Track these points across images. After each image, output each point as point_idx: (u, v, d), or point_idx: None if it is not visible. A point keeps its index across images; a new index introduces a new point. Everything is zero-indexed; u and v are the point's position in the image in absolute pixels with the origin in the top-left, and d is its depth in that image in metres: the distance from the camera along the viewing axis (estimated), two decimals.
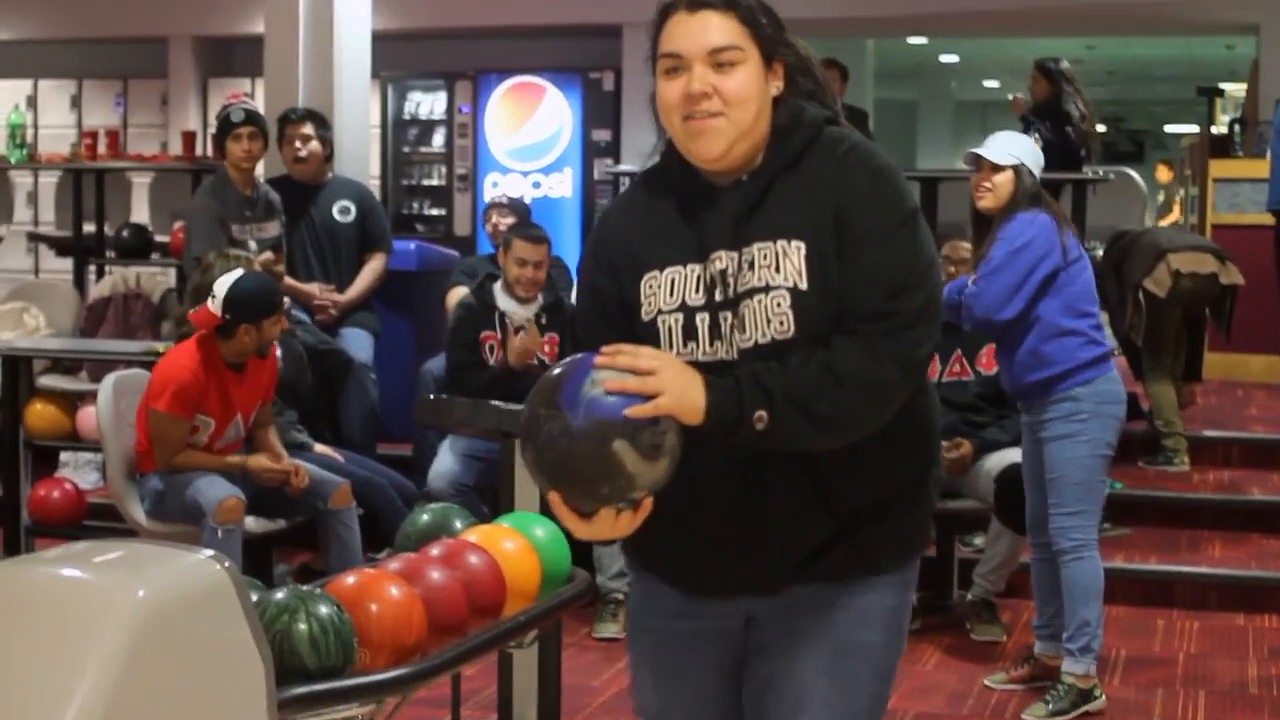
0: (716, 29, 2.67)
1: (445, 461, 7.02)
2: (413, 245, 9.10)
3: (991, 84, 25.37)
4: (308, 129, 8.17)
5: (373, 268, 8.16)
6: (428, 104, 15.07)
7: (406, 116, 15.06)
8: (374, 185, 9.42)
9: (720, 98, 2.64)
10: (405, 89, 14.98)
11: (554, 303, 7.28)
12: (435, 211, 14.90)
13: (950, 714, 5.98)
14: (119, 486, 6.41)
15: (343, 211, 8.15)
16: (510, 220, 8.33)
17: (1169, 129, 29.27)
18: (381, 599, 3.46)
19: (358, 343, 7.89)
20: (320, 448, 7.03)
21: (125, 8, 15.34)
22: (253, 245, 7.54)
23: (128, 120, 15.89)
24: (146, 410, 6.24)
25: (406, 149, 15.03)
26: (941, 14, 14.49)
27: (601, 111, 14.33)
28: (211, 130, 14.86)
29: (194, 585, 2.76)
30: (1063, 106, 10.89)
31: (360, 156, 9.17)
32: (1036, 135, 10.04)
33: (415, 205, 14.99)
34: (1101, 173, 10.08)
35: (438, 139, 15.00)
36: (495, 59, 14.78)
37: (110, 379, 6.53)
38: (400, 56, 13.75)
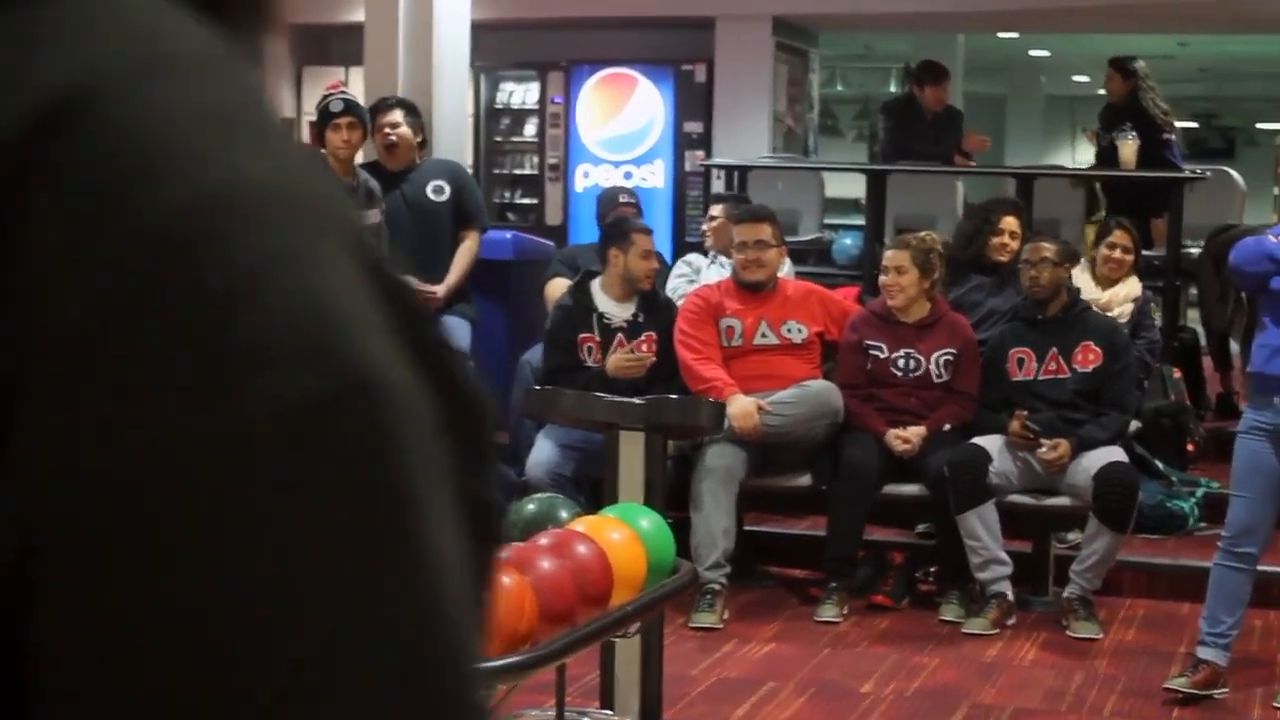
0: None
1: (543, 451, 7.06)
2: (509, 235, 9.15)
3: (1081, 79, 25.19)
4: (397, 116, 8.22)
5: (467, 247, 8.15)
6: (520, 94, 15.12)
7: (499, 106, 15.11)
8: (469, 165, 9.48)
9: None
10: (498, 79, 15.03)
11: (651, 299, 7.32)
12: (527, 201, 14.96)
13: (1047, 710, 5.97)
14: None
15: (437, 191, 8.17)
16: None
17: (1261, 126, 29.00)
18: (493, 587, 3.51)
19: (455, 331, 7.93)
20: None
21: None
22: None
23: None
24: None
25: (499, 138, 15.08)
26: (1033, 10, 14.41)
27: (693, 103, 14.34)
28: (308, 118, 15.04)
29: None
30: (1140, 104, 10.81)
31: (457, 146, 9.23)
32: (1130, 136, 9.98)
33: (507, 194, 15.04)
34: (1200, 171, 10.01)
35: (529, 129, 15.05)
36: (587, 50, 14.80)
37: None
38: (493, 47, 13.79)
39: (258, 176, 0.63)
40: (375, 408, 0.62)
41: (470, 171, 11.23)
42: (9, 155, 0.61)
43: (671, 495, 6.38)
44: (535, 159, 14.94)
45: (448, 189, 8.18)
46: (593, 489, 6.73)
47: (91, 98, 0.62)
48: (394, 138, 8.17)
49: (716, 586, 6.83)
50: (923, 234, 7.44)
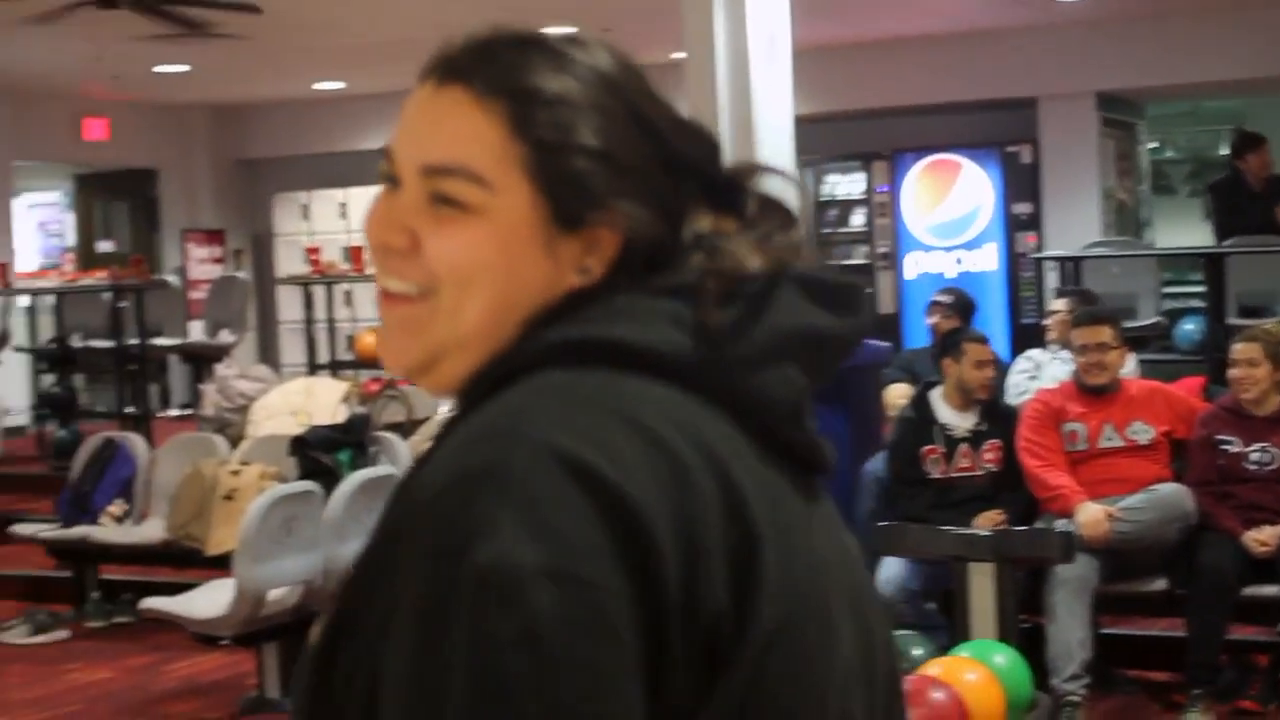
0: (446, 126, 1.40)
1: (892, 566, 7.05)
2: None
3: None
4: None
5: None
6: (845, 185, 15.17)
7: (825, 198, 15.19)
8: None
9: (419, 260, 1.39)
10: (822, 171, 15.11)
11: (992, 408, 7.28)
12: None
13: None
14: None
15: None
16: (953, 322, 8.35)
17: None
18: None
19: None
20: None
21: None
22: None
23: None
24: None
25: (827, 230, 15.15)
26: None
27: (1021, 184, 14.21)
28: None
29: None
30: None
31: None
32: None
33: None
34: None
35: (857, 219, 15.09)
36: (911, 137, 14.80)
37: None
38: (817, 139, 13.87)
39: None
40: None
41: None
42: None
43: (1022, 601, 6.34)
44: (864, 249, 14.97)
45: None
46: (944, 601, 6.70)
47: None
48: None
49: (1076, 699, 6.71)
50: (1272, 324, 7.27)
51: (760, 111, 9.26)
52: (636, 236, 1.37)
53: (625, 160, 1.37)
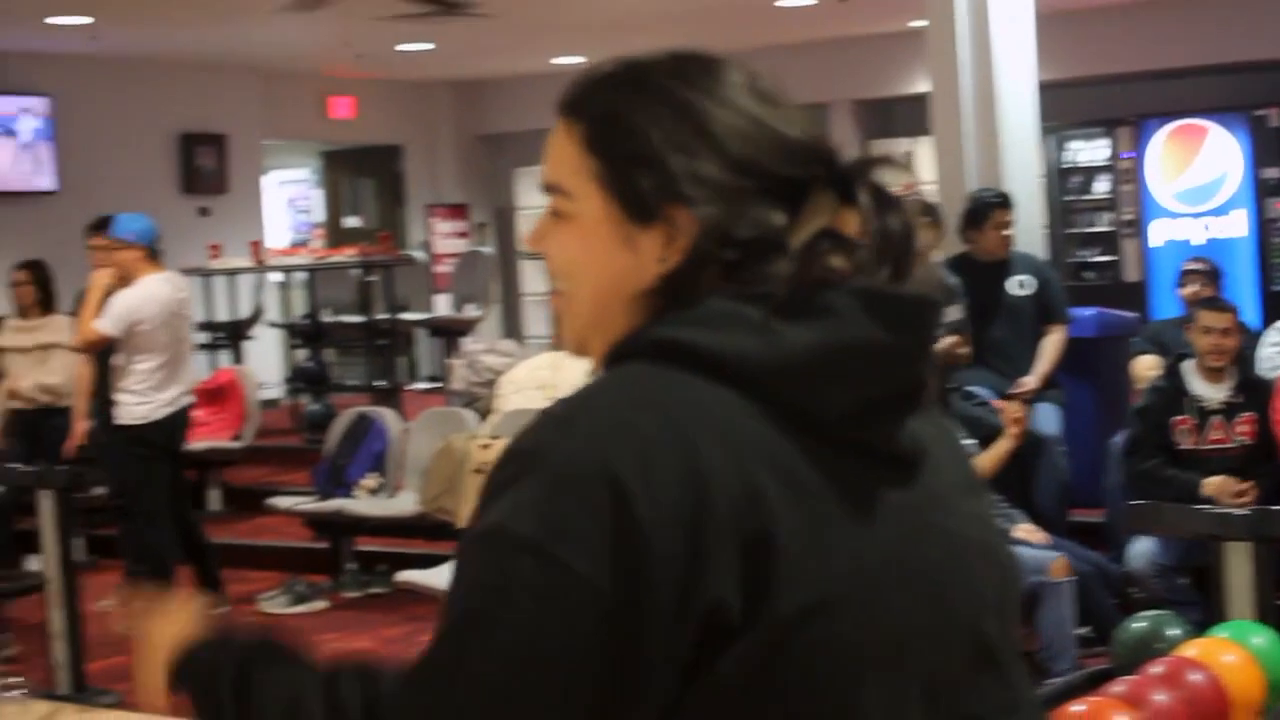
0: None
1: (1143, 541, 6.96)
2: (1091, 312, 9.05)
3: None
4: (1011, 215, 8.21)
5: (1054, 341, 8.14)
6: (1088, 151, 14.95)
7: (1067, 165, 14.99)
8: (1040, 235, 9.46)
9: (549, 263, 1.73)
10: (1065, 138, 14.90)
11: (1247, 379, 7.15)
12: (1102, 258, 14.77)
13: None
14: None
15: (1020, 286, 8.19)
16: (1207, 292, 8.23)
17: None
18: None
19: (1046, 417, 7.90)
20: (1022, 529, 6.96)
21: (788, 78, 15.72)
22: None
23: None
24: None
25: (1069, 197, 14.95)
26: None
27: (1269, 149, 13.88)
28: None
29: None
30: None
31: (1030, 209, 9.18)
32: None
33: (1082, 252, 14.90)
34: None
35: (1100, 186, 14.86)
36: (1156, 102, 14.54)
37: None
38: (1060, 106, 13.69)
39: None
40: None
41: (1043, 238, 11.21)
42: None
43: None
44: (1108, 216, 14.75)
45: (1032, 284, 8.18)
46: (1196, 576, 6.61)
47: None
48: (1008, 232, 8.19)
49: None
50: None
51: (1002, 78, 9.18)
52: (709, 230, 1.57)
53: (683, 167, 1.58)
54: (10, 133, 14.15)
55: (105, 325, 8.13)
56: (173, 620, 1.89)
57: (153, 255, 8.32)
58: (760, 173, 1.59)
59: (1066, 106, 13.94)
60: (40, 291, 10.13)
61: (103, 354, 8.59)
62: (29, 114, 14.20)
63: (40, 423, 9.52)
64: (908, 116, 14.96)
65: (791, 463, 1.50)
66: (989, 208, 8.19)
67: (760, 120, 1.61)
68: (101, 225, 8.68)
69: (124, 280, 8.24)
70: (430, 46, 14.89)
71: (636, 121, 1.61)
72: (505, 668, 1.47)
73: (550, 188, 1.67)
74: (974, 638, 1.60)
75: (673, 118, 1.60)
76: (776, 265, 1.55)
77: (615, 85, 1.65)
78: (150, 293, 8.22)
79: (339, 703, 1.62)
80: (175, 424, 8.40)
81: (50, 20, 12.73)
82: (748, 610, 1.46)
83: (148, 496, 8.39)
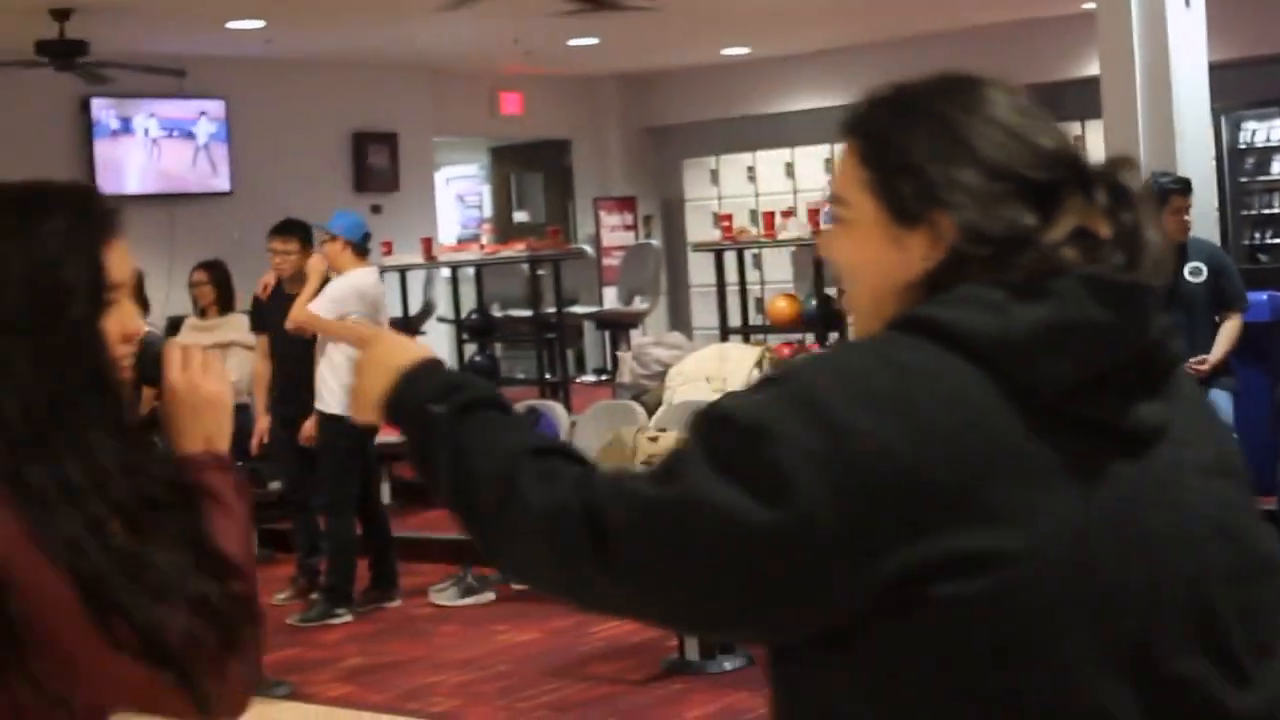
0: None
1: None
2: (1265, 296, 8.90)
3: None
4: (1189, 200, 8.11)
5: (1231, 328, 8.06)
6: (1263, 131, 14.69)
7: (1242, 146, 14.73)
8: (1214, 218, 9.33)
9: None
10: (1239, 119, 14.65)
11: None
12: (1278, 241, 14.51)
13: None
14: None
15: (1194, 273, 8.09)
16: None
17: None
18: None
19: (1219, 405, 7.80)
20: None
21: (954, 64, 15.63)
22: None
23: None
24: None
25: (1244, 179, 14.69)
26: None
27: None
28: None
29: None
30: None
31: (1203, 192, 9.05)
32: None
33: (1257, 235, 14.64)
34: None
35: (1276, 167, 14.59)
36: None
37: None
38: (1233, 86, 13.46)
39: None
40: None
41: (1217, 221, 11.04)
42: None
43: None
44: None
45: (1205, 270, 8.08)
46: None
47: None
48: (1187, 219, 8.11)
49: None
50: None
51: (1174, 59, 9.06)
52: (967, 230, 1.76)
53: (943, 175, 1.78)
54: (189, 135, 14.45)
55: (320, 307, 8.38)
56: (397, 348, 2.04)
57: (360, 250, 8.66)
58: (1014, 178, 1.77)
59: (1240, 86, 13.70)
60: (218, 291, 10.35)
61: (284, 352, 8.81)
62: (206, 117, 14.49)
63: None
64: (1077, 99, 14.78)
65: (1008, 427, 1.67)
66: (1167, 193, 8.08)
67: (1016, 131, 1.79)
68: (284, 228, 8.96)
69: (335, 273, 8.66)
70: (596, 41, 14.97)
71: (902, 136, 1.82)
72: (716, 546, 1.67)
73: (835, 199, 1.88)
74: (1194, 608, 1.72)
75: (935, 132, 1.80)
76: (1025, 258, 1.73)
77: (887, 105, 1.86)
78: (359, 283, 8.62)
79: (548, 468, 1.82)
80: None
81: (229, 25, 12.98)
82: (946, 553, 1.64)
83: (341, 486, 8.61)
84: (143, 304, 8.53)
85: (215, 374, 2.15)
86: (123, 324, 2.01)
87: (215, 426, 2.12)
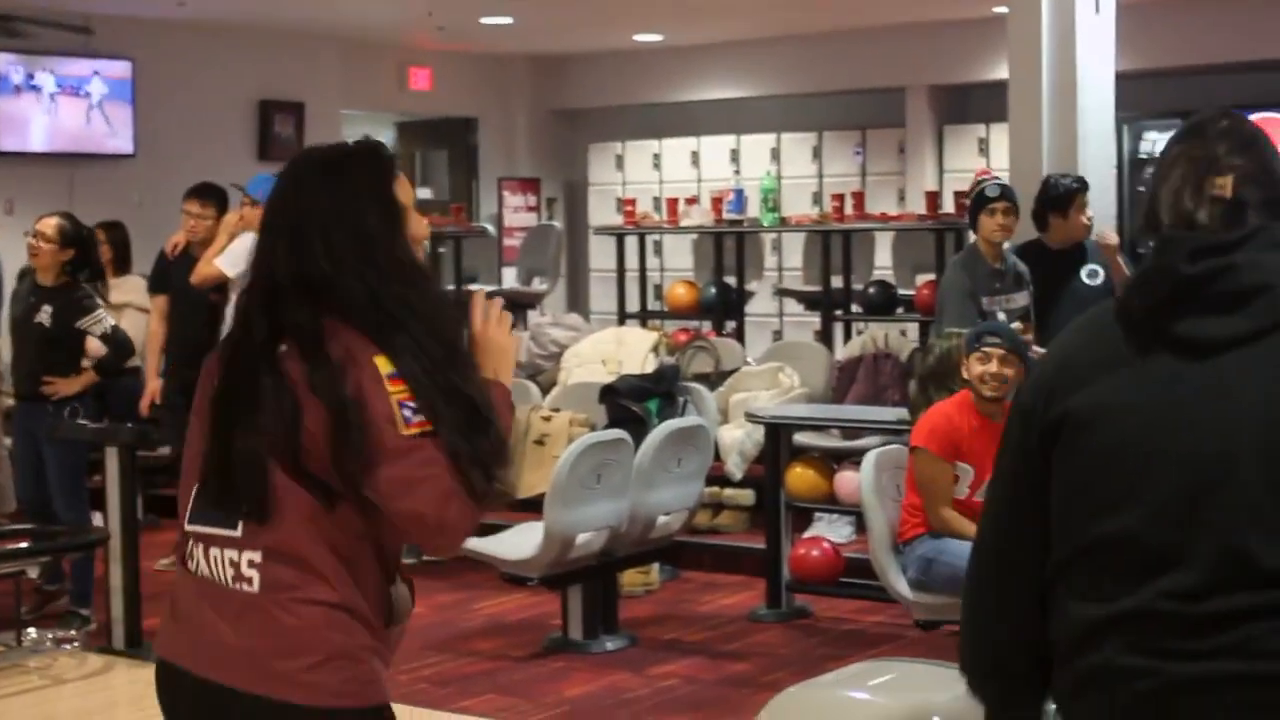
0: None
1: None
2: None
3: None
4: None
5: None
6: (1164, 142, 14.81)
7: (1143, 155, 14.90)
8: (1113, 225, 9.43)
9: None
10: (1140, 129, 14.82)
11: None
12: None
13: None
14: (881, 559, 6.64)
15: (1091, 275, 8.20)
16: None
17: None
18: None
19: None
20: None
21: (865, 62, 15.81)
22: (1001, 316, 7.72)
23: (866, 169, 16.34)
24: (913, 463, 6.50)
25: (1142, 188, 14.85)
26: None
27: None
28: (949, 175, 15.19)
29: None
30: None
31: (1104, 198, 9.17)
32: None
33: (1154, 244, 14.81)
34: None
35: None
36: (1233, 95, 14.42)
37: (872, 456, 6.80)
38: (1136, 96, 13.62)
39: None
40: None
41: (1115, 228, 11.12)
42: None
43: None
44: None
45: (1101, 274, 8.20)
46: None
47: None
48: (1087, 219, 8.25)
49: None
50: None
51: (1083, 66, 9.15)
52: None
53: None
54: (84, 94, 14.26)
55: (224, 264, 8.32)
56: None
57: None
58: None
59: (1145, 97, 13.87)
60: (116, 252, 10.25)
61: (187, 315, 8.75)
62: (100, 76, 14.29)
63: (111, 381, 9.63)
64: (984, 102, 14.92)
65: (1111, 339, 2.47)
66: (1074, 192, 8.22)
67: None
68: (202, 191, 8.91)
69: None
70: (510, 21, 14.94)
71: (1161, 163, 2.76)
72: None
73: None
74: (1226, 469, 2.34)
75: (1174, 160, 2.73)
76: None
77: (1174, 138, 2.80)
78: None
79: None
80: None
81: None
82: (1062, 425, 2.48)
83: None
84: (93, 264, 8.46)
85: (505, 326, 3.13)
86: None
87: (502, 364, 3.08)
